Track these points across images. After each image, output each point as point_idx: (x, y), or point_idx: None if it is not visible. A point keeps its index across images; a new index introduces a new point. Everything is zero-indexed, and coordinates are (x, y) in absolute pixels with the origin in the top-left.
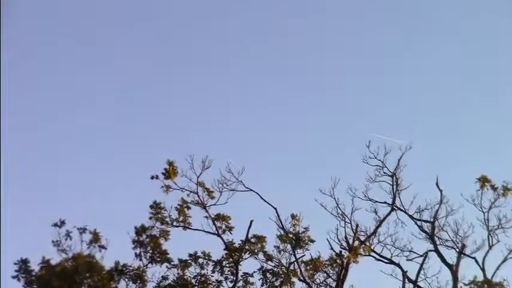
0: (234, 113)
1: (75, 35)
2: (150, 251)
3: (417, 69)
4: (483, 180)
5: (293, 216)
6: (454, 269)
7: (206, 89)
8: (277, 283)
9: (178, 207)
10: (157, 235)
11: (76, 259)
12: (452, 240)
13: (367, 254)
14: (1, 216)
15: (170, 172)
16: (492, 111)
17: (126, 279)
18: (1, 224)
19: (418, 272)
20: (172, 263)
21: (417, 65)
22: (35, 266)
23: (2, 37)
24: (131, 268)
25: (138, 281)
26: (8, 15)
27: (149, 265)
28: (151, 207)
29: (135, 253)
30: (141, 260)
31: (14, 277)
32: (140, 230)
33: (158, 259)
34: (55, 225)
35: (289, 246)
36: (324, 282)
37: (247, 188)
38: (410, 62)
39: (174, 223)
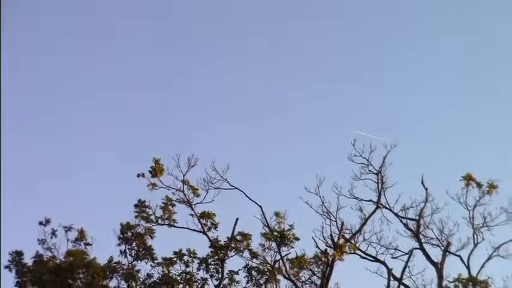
0: (219, 113)
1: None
2: (135, 248)
3: (401, 68)
4: (468, 178)
5: (278, 214)
6: (439, 267)
7: (193, 90)
8: (262, 281)
9: (163, 205)
10: (143, 233)
11: (71, 255)
12: (437, 238)
13: (352, 252)
14: None
15: (157, 170)
16: (478, 110)
17: (118, 277)
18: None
19: (403, 270)
20: (157, 261)
21: (402, 63)
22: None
23: (2, 37)
24: (124, 266)
25: (130, 280)
26: (8, 15)
27: (134, 262)
28: (136, 205)
29: (120, 250)
30: (125, 257)
31: (6, 267)
32: (126, 228)
33: (143, 256)
34: (41, 223)
35: (274, 244)
36: (309, 280)
37: (232, 186)
38: (395, 61)
39: (159, 221)
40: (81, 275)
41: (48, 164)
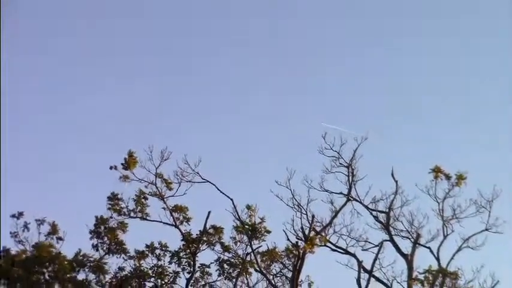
0: (190, 106)
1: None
2: (107, 242)
3: (373, 62)
4: (437, 171)
5: (249, 207)
6: (409, 259)
7: (165, 81)
8: (234, 274)
9: (136, 198)
10: (115, 226)
11: (37, 249)
12: (407, 230)
13: (323, 244)
14: None
15: (129, 163)
16: (447, 103)
17: (86, 270)
18: None
19: (374, 262)
20: (129, 254)
21: (372, 57)
22: None
23: (2, 37)
24: (92, 259)
25: (98, 272)
26: (8, 15)
27: (106, 256)
28: (109, 198)
29: (92, 244)
30: (97, 251)
31: None
32: (100, 222)
33: (115, 250)
34: (13, 216)
35: (245, 237)
36: (280, 273)
37: (204, 179)
38: (365, 53)
39: (132, 214)
40: (49, 268)
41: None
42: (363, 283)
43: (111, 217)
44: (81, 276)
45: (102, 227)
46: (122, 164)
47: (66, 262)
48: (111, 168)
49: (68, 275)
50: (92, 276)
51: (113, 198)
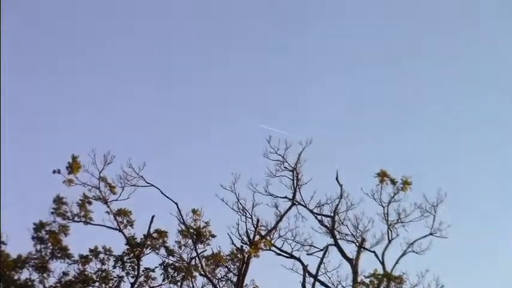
0: (134, 108)
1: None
2: (51, 247)
3: (319, 65)
4: (382, 175)
5: (194, 211)
6: (354, 263)
7: (109, 85)
8: (178, 278)
9: (80, 202)
10: (57, 230)
11: None
12: (352, 234)
13: (268, 248)
14: None
15: (73, 167)
16: (391, 106)
17: (30, 269)
18: None
19: (319, 266)
20: (73, 259)
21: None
22: None
23: (2, 37)
24: (35, 257)
25: (42, 271)
26: (8, 15)
27: (50, 261)
28: (54, 201)
29: (36, 249)
30: (42, 256)
31: None
32: (39, 226)
33: (59, 255)
34: None
35: (190, 241)
36: (225, 277)
37: (148, 183)
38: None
39: (76, 218)
40: None
41: None
42: (308, 287)
43: (54, 221)
44: (24, 275)
45: (43, 231)
46: (67, 167)
47: (9, 260)
48: (54, 172)
49: (10, 274)
50: (35, 276)
51: (58, 201)
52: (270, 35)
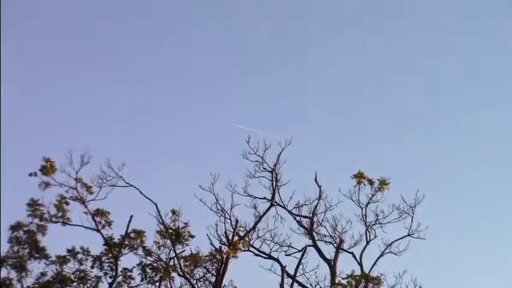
0: (113, 109)
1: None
2: (28, 248)
3: (297, 65)
4: (359, 176)
5: (173, 212)
6: (332, 264)
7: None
8: (156, 278)
9: (57, 203)
10: (34, 231)
11: None
12: (330, 235)
13: (246, 249)
14: None
15: (48, 168)
16: (373, 106)
17: (8, 268)
18: None
19: (297, 267)
20: (51, 259)
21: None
22: None
23: (2, 37)
24: (13, 256)
25: (20, 270)
26: (8, 15)
27: (28, 261)
28: (28, 204)
29: (13, 250)
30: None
31: None
32: (16, 227)
33: (36, 255)
34: None
35: (169, 242)
36: (204, 277)
37: (127, 183)
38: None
39: (53, 219)
40: None
41: None
42: None
43: (31, 223)
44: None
45: (21, 232)
46: (41, 170)
47: None
48: (30, 175)
49: None
50: (13, 274)
51: (33, 204)
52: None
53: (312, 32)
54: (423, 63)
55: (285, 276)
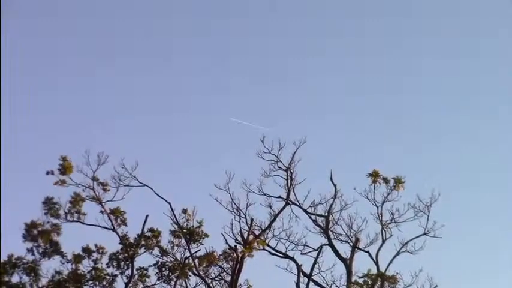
0: (128, 110)
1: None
2: (42, 245)
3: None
4: (374, 175)
5: (184, 211)
6: (348, 263)
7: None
8: (172, 277)
9: (73, 202)
10: (49, 229)
11: None
12: (346, 234)
13: (262, 248)
14: None
15: (65, 168)
16: (382, 105)
17: (20, 272)
18: None
19: (313, 266)
20: (66, 258)
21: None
22: None
23: (2, 37)
24: (25, 261)
25: (32, 275)
26: (8, 15)
27: (42, 259)
28: (44, 203)
29: (27, 248)
30: (33, 254)
31: None
32: (30, 225)
33: (51, 253)
34: None
35: (183, 241)
36: (219, 276)
37: (141, 183)
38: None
39: (68, 218)
40: None
41: None
42: (302, 287)
43: (47, 222)
44: (15, 279)
45: (35, 231)
46: (59, 169)
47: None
48: (47, 173)
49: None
50: (26, 279)
51: (48, 202)
52: None
53: (330, 30)
54: (439, 63)
55: (301, 275)
